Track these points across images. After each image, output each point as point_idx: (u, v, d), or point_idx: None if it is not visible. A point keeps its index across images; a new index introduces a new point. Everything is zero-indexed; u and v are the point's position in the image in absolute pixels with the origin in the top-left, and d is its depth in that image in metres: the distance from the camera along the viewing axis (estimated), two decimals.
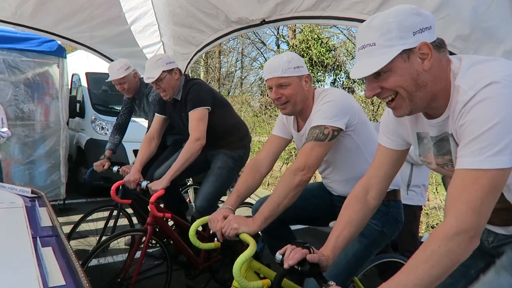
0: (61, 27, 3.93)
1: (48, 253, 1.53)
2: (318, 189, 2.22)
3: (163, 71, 2.66)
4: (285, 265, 1.28)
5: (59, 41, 5.00)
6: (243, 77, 20.18)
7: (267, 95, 11.19)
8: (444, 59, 1.19)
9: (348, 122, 1.83)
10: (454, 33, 2.22)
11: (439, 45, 1.17)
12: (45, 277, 1.32)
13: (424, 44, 1.13)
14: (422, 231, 4.42)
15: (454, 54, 2.18)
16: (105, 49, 4.32)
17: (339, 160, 1.95)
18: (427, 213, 4.90)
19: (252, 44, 17.90)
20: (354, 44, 14.70)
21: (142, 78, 3.33)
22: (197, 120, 2.65)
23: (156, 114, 2.98)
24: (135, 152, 5.53)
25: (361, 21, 2.72)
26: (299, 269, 1.28)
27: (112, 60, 4.41)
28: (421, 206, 3.20)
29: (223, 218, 1.72)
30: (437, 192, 4.96)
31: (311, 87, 1.98)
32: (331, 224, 2.02)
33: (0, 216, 2.09)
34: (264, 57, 17.81)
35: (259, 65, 17.98)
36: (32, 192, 2.52)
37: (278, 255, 1.33)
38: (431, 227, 4.89)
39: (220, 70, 18.75)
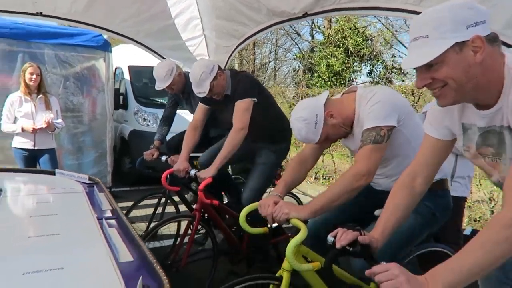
0: (110, 22, 4.13)
1: (113, 233, 1.67)
2: None
3: (210, 82, 2.76)
4: (337, 245, 1.35)
5: (107, 36, 5.23)
6: (276, 68, 20.16)
7: (303, 86, 11.16)
8: (498, 53, 1.21)
9: (398, 118, 1.85)
10: (503, 21, 2.17)
11: (492, 39, 1.19)
12: (115, 254, 1.45)
13: (477, 38, 1.15)
14: (465, 225, 4.35)
15: (506, 44, 2.14)
16: (150, 43, 4.48)
17: (389, 155, 1.98)
18: (469, 206, 4.79)
19: (287, 35, 17.82)
20: (392, 33, 14.37)
21: (186, 73, 3.46)
22: (242, 110, 2.74)
23: (200, 103, 3.08)
24: None
25: (406, 11, 2.70)
26: (351, 250, 1.34)
27: (157, 54, 4.57)
28: (465, 197, 3.16)
29: (274, 203, 1.81)
30: (480, 185, 4.83)
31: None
32: (377, 212, 2.06)
33: (64, 200, 2.28)
34: (298, 47, 17.72)
35: (293, 56, 17.90)
36: (89, 179, 2.70)
37: (330, 237, 1.40)
38: (474, 220, 4.78)
39: (254, 61, 18.82)
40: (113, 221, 1.89)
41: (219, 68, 2.87)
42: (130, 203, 3.26)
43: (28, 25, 5.04)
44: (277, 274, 1.75)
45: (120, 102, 6.56)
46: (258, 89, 2.90)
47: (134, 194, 4.05)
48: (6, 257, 1.41)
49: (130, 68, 6.90)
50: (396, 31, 14.35)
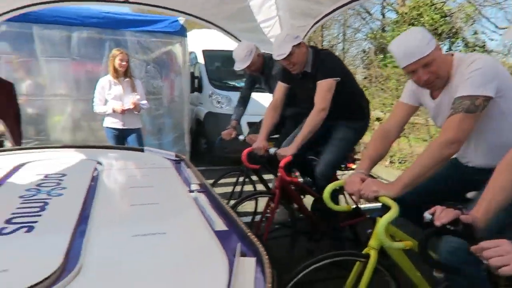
0: (188, 5, 4.27)
1: (206, 204, 1.76)
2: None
3: (293, 46, 2.74)
4: (437, 223, 1.30)
5: (183, 21, 5.44)
6: (345, 50, 19.53)
7: (376, 66, 10.73)
8: None
9: (498, 88, 1.72)
10: None
11: None
12: (210, 223, 1.53)
13: None
14: None
15: None
16: (227, 25, 4.58)
17: (483, 129, 1.85)
18: None
19: (356, 15, 17.14)
20: (475, 8, 13.20)
21: (264, 54, 3.48)
22: (324, 90, 2.71)
23: (279, 82, 3.09)
24: (249, 124, 5.83)
25: None
26: (452, 228, 1.29)
27: (233, 36, 4.66)
28: None
29: (361, 181, 1.78)
30: None
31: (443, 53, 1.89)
32: (469, 194, 1.95)
33: (156, 174, 2.44)
34: (370, 27, 16.98)
35: (364, 36, 17.20)
36: (176, 156, 2.86)
37: (427, 215, 1.35)
38: None
39: (322, 43, 18.41)
40: (203, 194, 1.99)
41: (305, 43, 2.86)
42: (207, 182, 3.39)
43: (114, 14, 5.40)
44: (363, 252, 1.74)
45: (195, 85, 6.82)
46: (341, 68, 2.85)
47: (210, 174, 4.21)
48: (116, 221, 1.56)
49: (204, 52, 7.11)
50: (479, 5, 13.15)
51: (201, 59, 7.09)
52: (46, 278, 1.01)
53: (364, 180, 1.77)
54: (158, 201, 1.82)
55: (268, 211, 2.76)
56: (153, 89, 5.64)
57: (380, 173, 6.30)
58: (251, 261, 1.24)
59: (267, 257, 1.23)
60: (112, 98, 4.00)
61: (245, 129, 6.01)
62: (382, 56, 14.10)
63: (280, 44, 2.77)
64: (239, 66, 3.38)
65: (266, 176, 3.46)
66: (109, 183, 2.13)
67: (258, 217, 3.05)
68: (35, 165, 2.40)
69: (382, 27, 15.91)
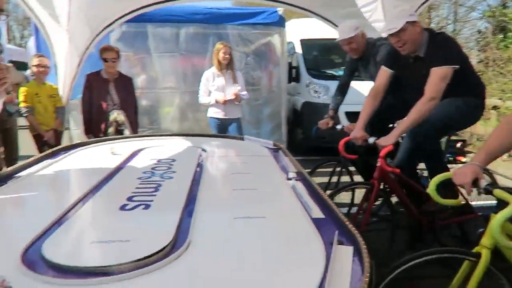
0: None
1: (303, 192, 1.78)
2: None
3: (407, 22, 2.56)
4: None
5: (281, 11, 5.49)
6: (456, 32, 17.74)
7: (494, 48, 9.58)
8: None
9: None
10: None
11: None
12: (308, 210, 1.55)
13: None
14: None
15: None
16: (325, 12, 4.51)
17: None
18: None
19: None
20: None
21: (369, 39, 3.34)
22: (439, 78, 2.48)
23: (382, 67, 2.91)
24: (347, 114, 5.68)
25: None
26: None
27: (332, 23, 4.57)
28: None
29: (473, 173, 1.62)
30: None
31: None
32: None
33: (254, 162, 2.54)
34: (487, 3, 15.15)
35: (480, 15, 15.41)
36: (274, 145, 2.94)
37: None
38: None
39: (429, 25, 16.99)
40: (300, 182, 2.02)
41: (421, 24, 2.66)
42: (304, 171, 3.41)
43: (217, 9, 5.68)
44: (473, 251, 1.60)
45: (292, 75, 6.85)
46: (460, 54, 2.59)
47: (307, 164, 4.22)
48: (219, 204, 1.67)
49: (302, 41, 7.09)
50: None
51: (298, 49, 7.08)
52: (160, 250, 1.13)
53: (476, 173, 1.60)
54: (257, 187, 1.89)
55: (366, 203, 2.68)
56: (252, 80, 5.82)
57: (494, 167, 5.65)
58: (348, 250, 1.23)
59: (365, 247, 1.20)
60: (215, 90, 4.23)
61: (343, 119, 5.88)
62: (502, 36, 12.51)
63: (392, 19, 2.60)
64: (342, 36, 3.22)
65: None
66: (212, 168, 2.28)
67: (355, 209, 2.98)
68: (149, 151, 2.67)
69: (503, 3, 14.06)
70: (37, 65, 3.85)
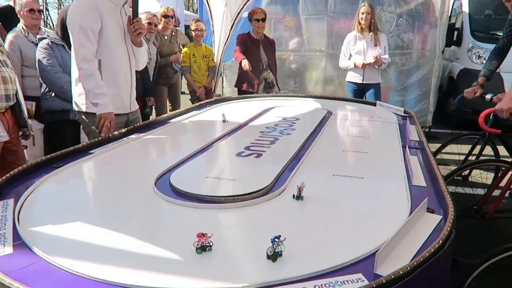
0: None
1: (413, 160, 1.75)
2: None
3: None
4: None
5: None
6: None
7: None
8: None
9: None
10: None
11: None
12: (410, 177, 1.54)
13: None
14: None
15: None
16: None
17: None
18: None
19: None
20: None
21: None
22: None
23: None
24: None
25: None
26: None
27: None
28: None
29: None
30: None
31: None
32: None
33: (378, 127, 2.52)
34: None
35: None
36: (405, 112, 2.83)
37: None
38: None
39: None
40: (417, 151, 1.97)
41: None
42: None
43: None
44: None
45: (453, 38, 6.13)
46: None
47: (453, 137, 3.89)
48: (324, 162, 1.78)
49: None
50: None
51: (466, 8, 6.24)
52: (256, 191, 1.33)
53: None
54: (368, 151, 1.93)
55: (504, 184, 2.39)
56: (402, 43, 5.43)
57: None
58: (435, 219, 1.23)
59: (453, 217, 1.18)
60: (355, 53, 4.14)
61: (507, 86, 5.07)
62: None
63: None
64: None
65: None
66: (331, 130, 2.37)
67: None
68: (279, 109, 2.89)
69: None
70: (195, 30, 4.40)
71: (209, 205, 1.25)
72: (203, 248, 0.96)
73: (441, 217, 1.23)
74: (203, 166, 1.66)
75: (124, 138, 2.00)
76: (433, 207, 1.28)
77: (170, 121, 2.44)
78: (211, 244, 0.97)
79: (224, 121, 2.38)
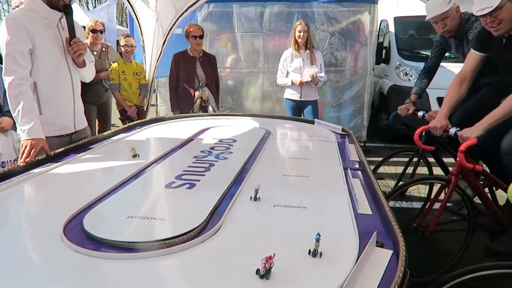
0: None
1: (356, 184, 1.66)
2: None
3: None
4: None
5: None
6: None
7: None
8: None
9: None
10: None
11: None
12: (354, 204, 1.45)
13: None
14: None
15: None
16: None
17: None
18: None
19: None
20: None
21: (463, 13, 2.95)
22: None
23: (472, 50, 2.55)
24: (439, 100, 5.18)
25: None
26: None
27: None
28: None
29: None
30: None
31: None
32: None
33: (317, 147, 2.45)
34: None
35: None
36: (343, 130, 2.80)
37: None
38: None
39: None
40: (358, 173, 1.90)
41: None
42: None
43: None
44: None
45: (382, 56, 6.41)
46: None
47: (388, 151, 3.97)
48: (264, 189, 1.63)
49: (396, 19, 6.58)
50: None
51: (392, 27, 6.58)
52: (186, 232, 1.14)
53: None
54: (310, 175, 1.82)
55: (441, 199, 2.42)
56: (335, 61, 5.56)
57: None
58: (386, 254, 1.12)
59: (405, 253, 1.08)
60: (292, 70, 4.13)
61: (435, 105, 5.36)
62: None
63: None
64: (431, 14, 2.84)
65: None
66: (270, 152, 2.24)
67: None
68: (216, 130, 2.73)
69: None
70: (124, 45, 4.13)
71: (129, 255, 1.04)
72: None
73: (391, 252, 1.13)
74: (125, 203, 1.42)
75: (33, 171, 1.71)
76: (382, 241, 1.18)
77: (91, 146, 2.17)
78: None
79: (134, 156, 1.97)
